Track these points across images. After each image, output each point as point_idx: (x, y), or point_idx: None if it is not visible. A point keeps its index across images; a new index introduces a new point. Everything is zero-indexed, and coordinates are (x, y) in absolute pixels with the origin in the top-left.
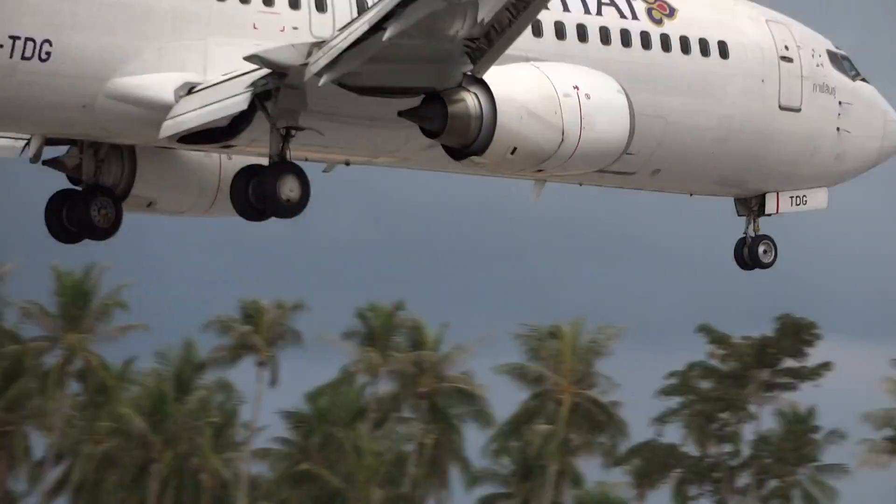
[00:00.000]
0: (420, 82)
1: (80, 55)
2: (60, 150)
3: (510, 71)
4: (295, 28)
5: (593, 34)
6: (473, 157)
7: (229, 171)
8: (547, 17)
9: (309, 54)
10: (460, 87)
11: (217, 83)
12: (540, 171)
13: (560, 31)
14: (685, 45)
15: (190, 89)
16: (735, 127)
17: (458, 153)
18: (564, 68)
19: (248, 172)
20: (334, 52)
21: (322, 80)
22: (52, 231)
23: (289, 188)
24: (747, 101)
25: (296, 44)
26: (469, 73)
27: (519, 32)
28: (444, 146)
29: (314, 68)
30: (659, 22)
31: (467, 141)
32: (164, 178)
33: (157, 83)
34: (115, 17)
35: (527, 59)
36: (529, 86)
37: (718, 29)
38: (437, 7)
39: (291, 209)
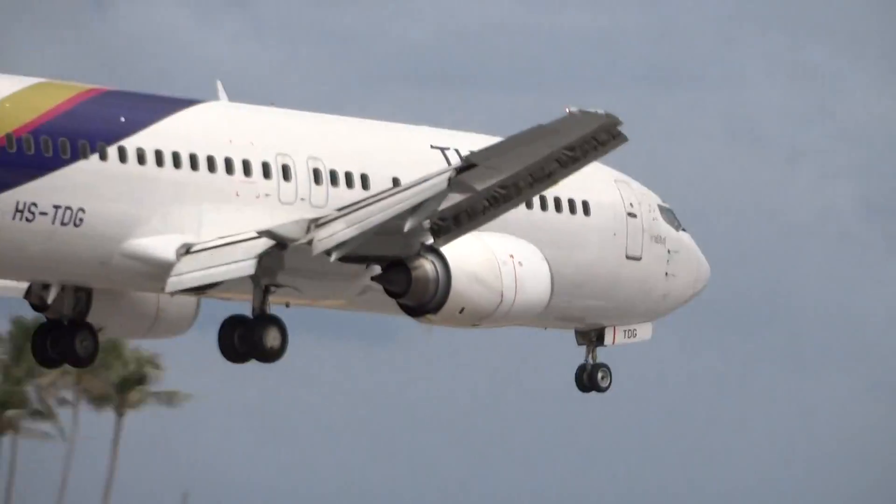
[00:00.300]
0: (392, 252)
1: (104, 220)
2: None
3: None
4: (267, 195)
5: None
6: (428, 315)
7: (164, 300)
8: None
9: (308, 230)
10: (419, 254)
11: (216, 246)
12: (475, 325)
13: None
14: (558, 204)
15: (187, 249)
16: (591, 273)
17: (414, 311)
18: (499, 238)
19: (233, 322)
20: (349, 234)
21: (333, 257)
22: (36, 355)
23: (272, 338)
24: (602, 251)
25: (298, 220)
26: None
27: (491, 219)
28: (400, 304)
29: (325, 244)
30: None
31: (424, 301)
32: (113, 310)
33: (162, 244)
34: (131, 188)
35: None
36: (475, 254)
37: (581, 191)
38: (453, 200)
39: (274, 355)
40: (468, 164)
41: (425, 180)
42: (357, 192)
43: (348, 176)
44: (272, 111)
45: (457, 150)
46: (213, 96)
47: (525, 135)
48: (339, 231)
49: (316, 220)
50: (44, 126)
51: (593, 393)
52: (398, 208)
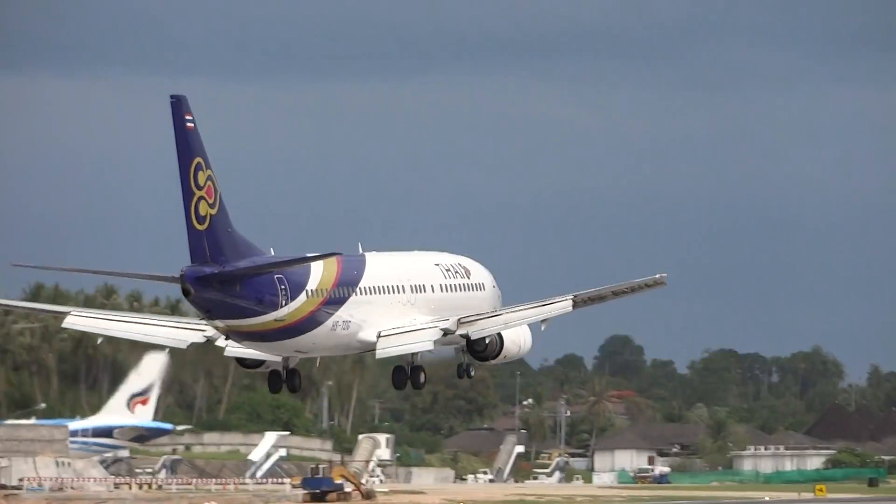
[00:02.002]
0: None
1: (356, 325)
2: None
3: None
4: (412, 303)
5: (448, 287)
6: (491, 360)
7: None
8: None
9: (458, 324)
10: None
11: (403, 332)
12: (505, 360)
13: (441, 287)
14: (478, 286)
15: (378, 335)
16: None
17: (484, 358)
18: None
19: (399, 368)
20: (495, 329)
21: (473, 336)
22: (271, 386)
23: (422, 377)
24: (490, 307)
25: (453, 319)
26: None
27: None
28: (475, 354)
29: (479, 334)
30: (466, 276)
31: (491, 354)
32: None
33: (371, 334)
34: (365, 307)
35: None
36: (513, 331)
37: (476, 276)
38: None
39: (422, 386)
40: (579, 300)
41: (553, 303)
42: (431, 295)
43: (423, 287)
44: (395, 255)
45: (450, 266)
46: (356, 250)
47: (622, 286)
48: (486, 327)
49: (460, 318)
50: (338, 281)
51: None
52: (532, 318)
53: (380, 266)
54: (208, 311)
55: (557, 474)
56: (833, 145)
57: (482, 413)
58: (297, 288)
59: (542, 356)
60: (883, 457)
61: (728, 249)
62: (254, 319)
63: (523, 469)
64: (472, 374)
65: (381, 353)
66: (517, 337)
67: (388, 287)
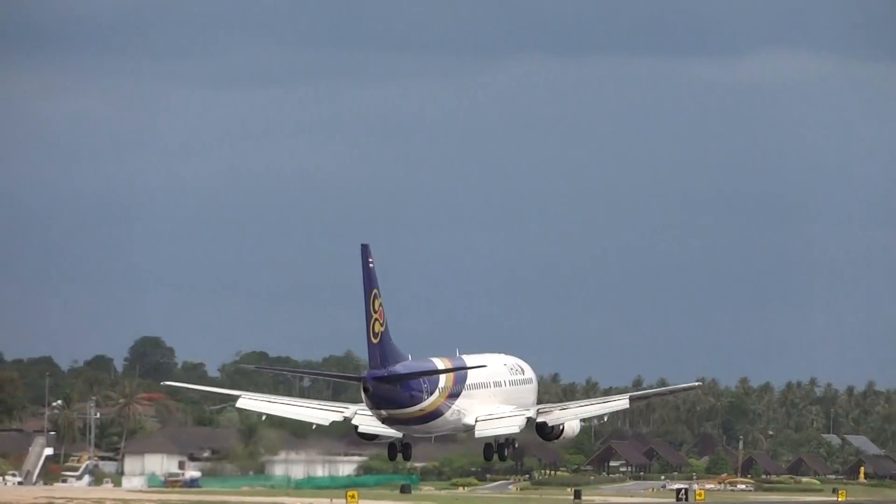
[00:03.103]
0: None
1: (464, 412)
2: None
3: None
4: (493, 394)
5: (513, 383)
6: (553, 440)
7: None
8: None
9: (538, 413)
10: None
11: (496, 418)
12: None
13: (509, 383)
14: (529, 381)
15: (476, 419)
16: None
17: (548, 439)
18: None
19: (490, 444)
20: (567, 418)
21: (547, 423)
22: (389, 455)
23: (508, 452)
24: (535, 395)
25: (535, 408)
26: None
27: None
28: (541, 435)
29: (554, 422)
30: (522, 373)
31: (554, 436)
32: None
33: (471, 419)
34: (465, 400)
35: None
36: (573, 422)
37: (528, 373)
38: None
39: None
40: (634, 397)
41: (612, 401)
42: (505, 388)
43: (500, 383)
44: (479, 357)
45: (513, 366)
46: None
47: (667, 389)
48: (561, 416)
49: (539, 409)
50: (456, 381)
51: None
52: (595, 413)
53: (473, 368)
54: (378, 402)
55: (87, 477)
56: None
57: (11, 414)
58: (433, 387)
59: (71, 357)
60: (415, 464)
61: (251, 249)
62: (407, 409)
63: (53, 472)
64: (506, 457)
65: (479, 433)
66: (574, 424)
67: (481, 384)
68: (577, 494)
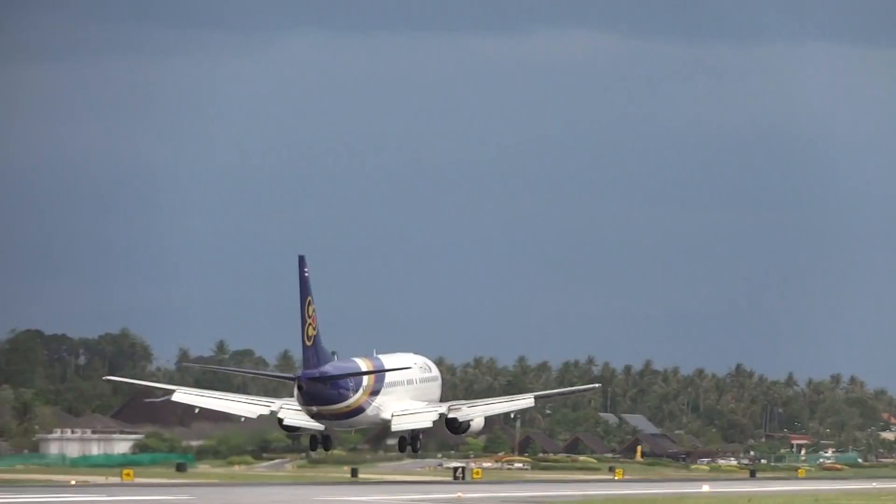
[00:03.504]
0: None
1: (382, 409)
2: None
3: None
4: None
5: (422, 380)
6: (461, 433)
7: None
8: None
9: (449, 410)
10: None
11: (412, 413)
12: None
13: (419, 380)
14: (435, 378)
15: (393, 414)
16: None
17: (457, 432)
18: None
19: (405, 436)
20: (476, 415)
21: (458, 419)
22: (311, 445)
23: (414, 441)
24: (440, 391)
25: (445, 405)
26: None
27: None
28: (450, 429)
29: (463, 417)
30: (429, 371)
31: (462, 430)
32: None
33: (388, 415)
34: (385, 398)
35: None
36: (479, 417)
37: (433, 371)
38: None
39: (412, 449)
40: (539, 396)
41: (518, 399)
42: (416, 385)
43: (412, 380)
44: (393, 357)
45: (422, 364)
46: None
47: (570, 390)
48: (470, 413)
49: (450, 405)
50: (377, 379)
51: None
52: (503, 409)
53: (389, 367)
54: (310, 399)
55: None
56: None
57: None
58: (357, 386)
59: None
60: (191, 442)
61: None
62: (335, 406)
63: None
64: (419, 449)
65: (395, 427)
66: (480, 420)
67: (396, 382)
68: (354, 473)
